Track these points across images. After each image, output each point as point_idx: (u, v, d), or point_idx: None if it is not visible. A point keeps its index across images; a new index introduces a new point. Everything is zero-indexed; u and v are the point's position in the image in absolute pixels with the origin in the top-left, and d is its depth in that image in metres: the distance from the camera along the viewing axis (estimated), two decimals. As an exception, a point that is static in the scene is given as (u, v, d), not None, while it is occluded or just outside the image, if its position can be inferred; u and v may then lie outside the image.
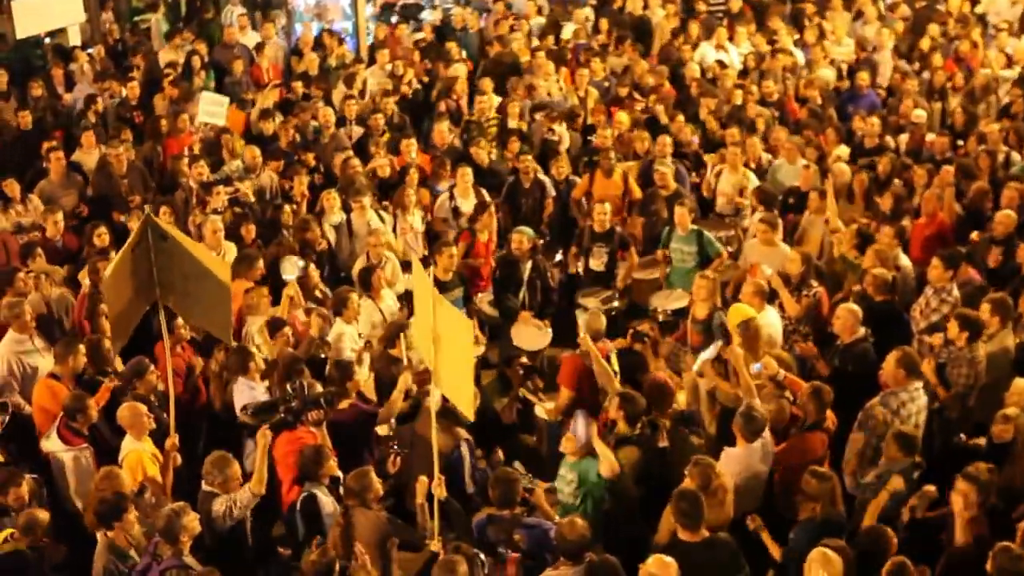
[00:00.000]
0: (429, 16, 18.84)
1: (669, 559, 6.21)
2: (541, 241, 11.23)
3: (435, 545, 6.96)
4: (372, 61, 15.76)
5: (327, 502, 7.28)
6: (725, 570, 6.70)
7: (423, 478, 7.19)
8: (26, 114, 13.07)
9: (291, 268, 9.67)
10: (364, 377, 8.85)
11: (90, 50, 15.77)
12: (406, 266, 10.88)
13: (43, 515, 6.97)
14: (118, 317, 7.60)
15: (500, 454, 8.57)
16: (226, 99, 13.36)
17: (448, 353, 6.86)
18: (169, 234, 7.45)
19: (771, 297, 9.35)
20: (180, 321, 8.84)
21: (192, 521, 6.72)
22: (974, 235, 10.46)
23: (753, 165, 12.28)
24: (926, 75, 14.96)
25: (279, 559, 7.59)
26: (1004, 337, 8.60)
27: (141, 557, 6.79)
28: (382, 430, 8.27)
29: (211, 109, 12.97)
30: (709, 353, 8.52)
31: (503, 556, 6.92)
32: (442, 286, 9.50)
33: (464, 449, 8.00)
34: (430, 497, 7.16)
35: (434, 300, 6.82)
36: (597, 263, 10.93)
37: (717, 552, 6.69)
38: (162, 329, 7.84)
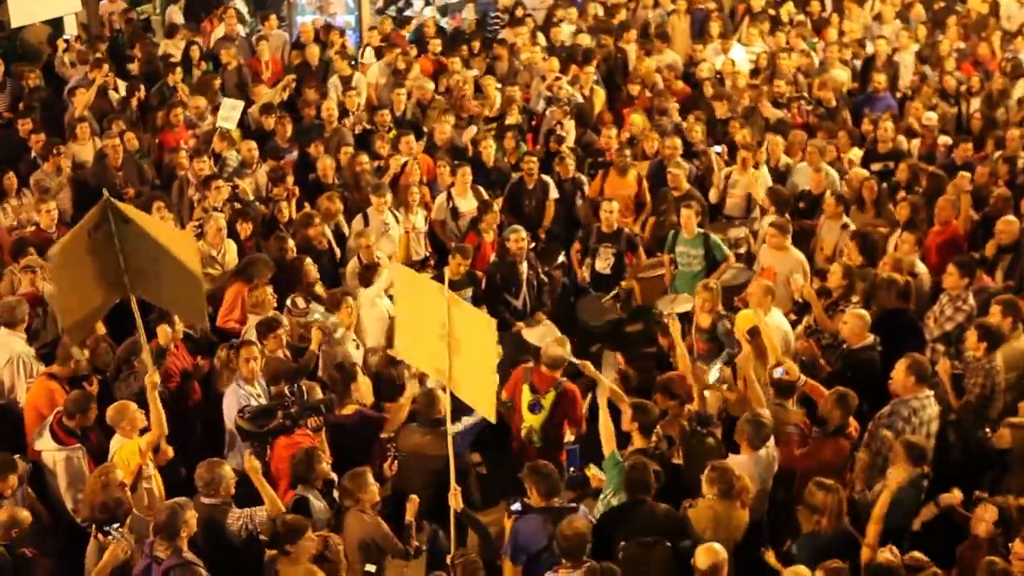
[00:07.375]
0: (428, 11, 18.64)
1: (718, 545, 6.28)
2: (535, 244, 11.01)
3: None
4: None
5: (319, 507, 7.19)
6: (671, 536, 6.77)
7: (414, 496, 7.20)
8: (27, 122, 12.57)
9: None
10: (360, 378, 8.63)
11: (67, 37, 15.36)
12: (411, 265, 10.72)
13: (25, 515, 6.87)
14: (71, 306, 7.12)
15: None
16: (241, 103, 13.04)
17: (468, 355, 6.54)
18: (130, 217, 7.06)
19: (802, 308, 9.21)
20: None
21: (192, 518, 6.57)
22: (990, 244, 10.20)
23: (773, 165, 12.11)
24: (940, 78, 14.72)
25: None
26: (1017, 339, 8.43)
27: (136, 559, 6.64)
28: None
29: (228, 114, 12.74)
30: (716, 374, 8.53)
31: None
32: (453, 286, 9.24)
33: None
34: (436, 512, 7.11)
35: (449, 302, 6.54)
36: (603, 264, 10.70)
37: (657, 519, 6.81)
38: (138, 325, 7.58)
